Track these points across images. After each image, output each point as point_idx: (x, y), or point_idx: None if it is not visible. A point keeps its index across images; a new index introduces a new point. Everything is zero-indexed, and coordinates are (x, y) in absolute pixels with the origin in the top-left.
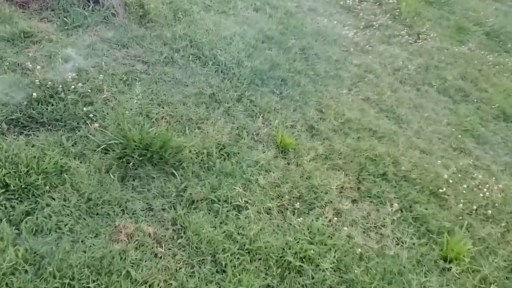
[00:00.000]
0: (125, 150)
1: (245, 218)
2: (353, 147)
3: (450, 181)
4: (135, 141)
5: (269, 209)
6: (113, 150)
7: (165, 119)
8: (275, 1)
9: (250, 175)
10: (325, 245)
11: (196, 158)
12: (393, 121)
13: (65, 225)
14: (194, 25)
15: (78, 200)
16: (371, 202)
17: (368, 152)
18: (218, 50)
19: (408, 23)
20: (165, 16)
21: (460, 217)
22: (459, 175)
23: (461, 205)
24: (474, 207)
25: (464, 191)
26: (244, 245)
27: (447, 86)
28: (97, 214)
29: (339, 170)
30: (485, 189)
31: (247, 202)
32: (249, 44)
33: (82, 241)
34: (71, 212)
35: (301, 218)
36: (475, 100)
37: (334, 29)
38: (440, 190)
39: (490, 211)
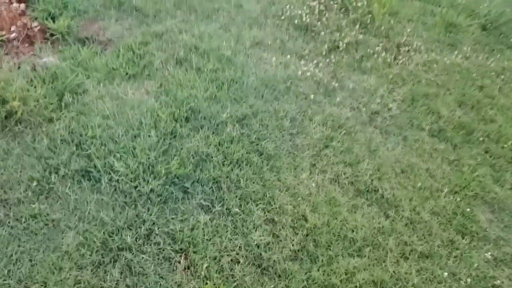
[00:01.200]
0: None
1: None
2: (323, 284)
3: None
4: None
5: None
6: None
7: None
8: (205, 43)
9: None
10: None
11: None
12: (375, 209)
13: None
14: (87, 113)
15: None
16: None
17: (344, 286)
18: (116, 155)
19: (383, 32)
20: (44, 106)
21: None
22: None
23: None
24: None
25: None
26: None
27: (442, 125)
28: None
29: None
30: None
31: None
32: (164, 131)
33: None
34: None
35: None
36: (481, 138)
37: (287, 68)
38: None
39: None
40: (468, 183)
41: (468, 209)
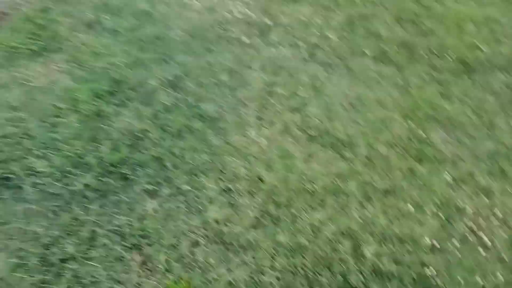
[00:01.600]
0: None
1: None
2: (291, 247)
3: (437, 245)
4: None
5: None
6: None
7: None
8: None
9: None
10: None
11: None
12: (331, 152)
13: None
14: None
15: None
16: None
17: (310, 248)
18: (36, 153)
19: None
20: None
21: None
22: (443, 217)
23: None
24: None
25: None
26: None
27: (385, 48)
28: None
29: None
30: (480, 248)
31: None
32: (87, 113)
33: None
34: None
35: None
36: (425, 54)
37: (214, 12)
38: (427, 271)
39: None
40: (419, 105)
41: (422, 133)
